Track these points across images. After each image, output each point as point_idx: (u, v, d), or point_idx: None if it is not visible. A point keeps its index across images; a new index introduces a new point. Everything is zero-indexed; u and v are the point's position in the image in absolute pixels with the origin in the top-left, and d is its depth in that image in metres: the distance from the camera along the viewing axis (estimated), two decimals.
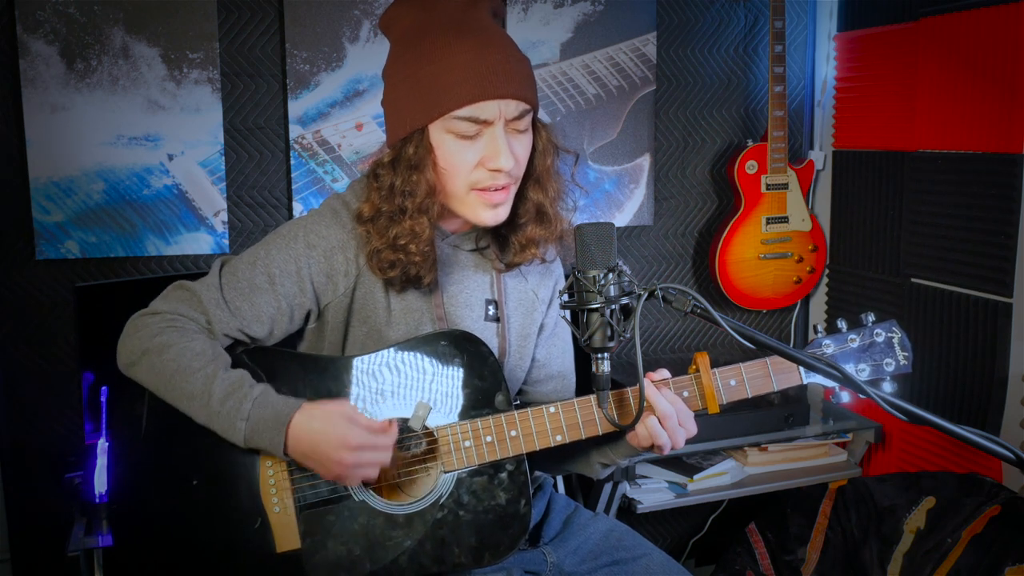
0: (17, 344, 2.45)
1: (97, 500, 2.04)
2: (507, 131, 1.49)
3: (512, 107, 1.48)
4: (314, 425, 1.43)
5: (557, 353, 1.78)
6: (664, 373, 1.53)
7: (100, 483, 2.03)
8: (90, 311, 2.17)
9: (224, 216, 2.54)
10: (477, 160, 1.49)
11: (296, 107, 2.55)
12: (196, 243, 2.53)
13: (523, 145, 1.53)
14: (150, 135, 2.45)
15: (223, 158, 2.52)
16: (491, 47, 1.47)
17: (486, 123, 1.47)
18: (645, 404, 1.44)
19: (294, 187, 2.58)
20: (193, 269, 2.53)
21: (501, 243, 1.65)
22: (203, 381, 1.44)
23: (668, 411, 1.46)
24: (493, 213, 1.53)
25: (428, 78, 1.46)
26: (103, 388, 1.98)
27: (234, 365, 1.50)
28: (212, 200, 2.52)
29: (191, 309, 1.50)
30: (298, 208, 2.59)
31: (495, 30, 1.52)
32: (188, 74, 2.46)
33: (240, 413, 1.43)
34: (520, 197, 1.58)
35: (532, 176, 1.58)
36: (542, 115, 1.64)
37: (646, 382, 1.43)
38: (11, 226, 2.40)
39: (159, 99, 2.45)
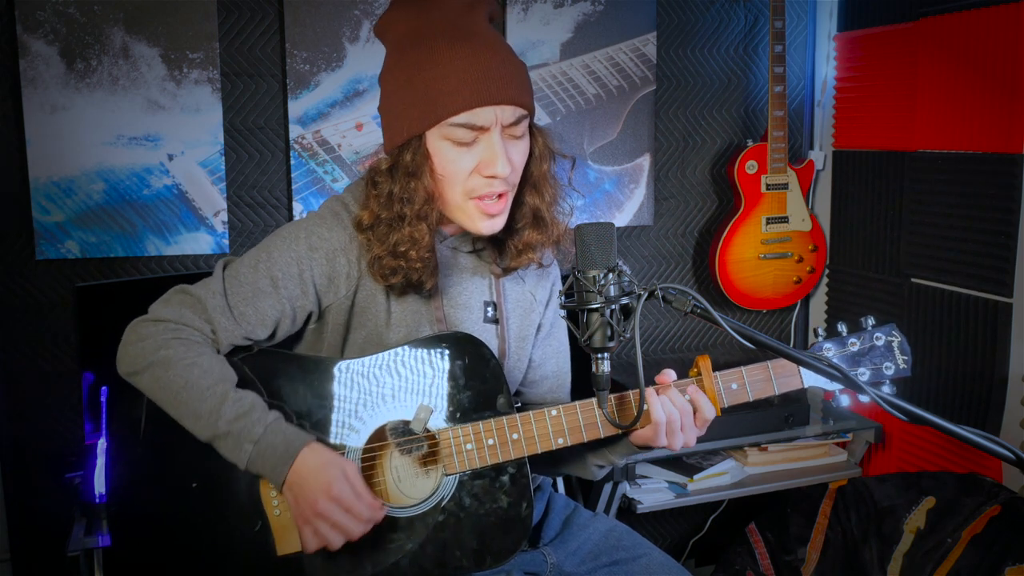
0: (17, 344, 2.45)
1: (97, 500, 2.04)
2: (504, 137, 1.48)
3: (508, 113, 1.47)
4: (312, 463, 1.42)
5: (552, 354, 1.77)
6: (670, 374, 1.53)
7: (100, 483, 2.03)
8: (90, 311, 2.17)
9: (224, 216, 2.53)
10: (474, 166, 1.48)
11: (296, 107, 2.55)
12: (196, 243, 2.53)
13: (520, 151, 1.53)
14: (150, 135, 2.45)
15: (223, 158, 2.52)
16: (486, 52, 1.47)
17: (482, 129, 1.47)
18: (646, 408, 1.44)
19: (294, 187, 2.58)
20: (193, 269, 2.53)
21: (498, 246, 1.65)
22: (213, 400, 1.42)
23: (661, 419, 1.47)
24: (490, 223, 1.53)
25: (424, 84, 1.46)
26: (103, 388, 1.97)
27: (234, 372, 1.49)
28: (212, 200, 2.52)
29: (196, 317, 1.49)
30: (298, 208, 2.59)
31: (491, 35, 1.51)
32: (188, 74, 2.46)
33: (250, 435, 1.41)
34: (517, 202, 1.58)
35: (529, 181, 1.58)
36: (540, 116, 1.64)
37: (648, 388, 1.43)
38: (11, 226, 2.40)
39: (159, 99, 2.45)
